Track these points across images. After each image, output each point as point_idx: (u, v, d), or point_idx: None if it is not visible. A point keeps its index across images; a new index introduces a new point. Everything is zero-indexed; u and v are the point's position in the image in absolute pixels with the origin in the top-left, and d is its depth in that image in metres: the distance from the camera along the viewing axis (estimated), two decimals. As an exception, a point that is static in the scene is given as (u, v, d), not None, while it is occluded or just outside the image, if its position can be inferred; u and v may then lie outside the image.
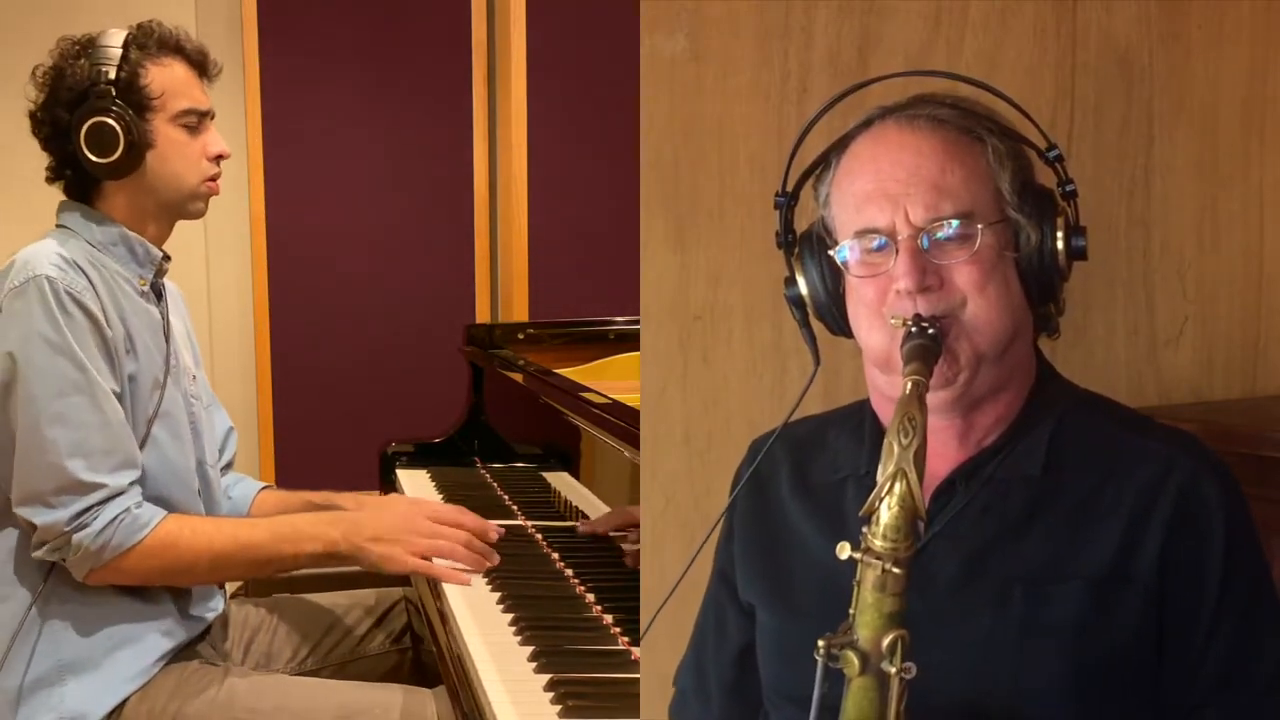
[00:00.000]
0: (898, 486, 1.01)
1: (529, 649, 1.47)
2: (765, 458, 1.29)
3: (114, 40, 1.75)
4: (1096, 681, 1.12)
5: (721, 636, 1.33)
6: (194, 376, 1.91)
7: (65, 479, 1.62)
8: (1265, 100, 1.73)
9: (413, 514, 1.85)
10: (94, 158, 1.72)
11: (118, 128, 1.71)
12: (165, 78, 1.77)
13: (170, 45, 1.79)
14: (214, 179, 1.83)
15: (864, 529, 1.02)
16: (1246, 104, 1.72)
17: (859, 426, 1.27)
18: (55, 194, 1.85)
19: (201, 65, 1.83)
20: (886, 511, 1.01)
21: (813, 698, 1.02)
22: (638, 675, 1.39)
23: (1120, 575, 1.13)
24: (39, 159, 1.83)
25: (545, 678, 1.38)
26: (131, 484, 1.68)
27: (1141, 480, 1.15)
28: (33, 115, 1.79)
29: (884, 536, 1.01)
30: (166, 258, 1.83)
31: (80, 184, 1.80)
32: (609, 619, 1.59)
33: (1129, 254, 1.68)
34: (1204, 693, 1.14)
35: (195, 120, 1.80)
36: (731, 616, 1.32)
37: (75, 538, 1.63)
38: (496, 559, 1.80)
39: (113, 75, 1.72)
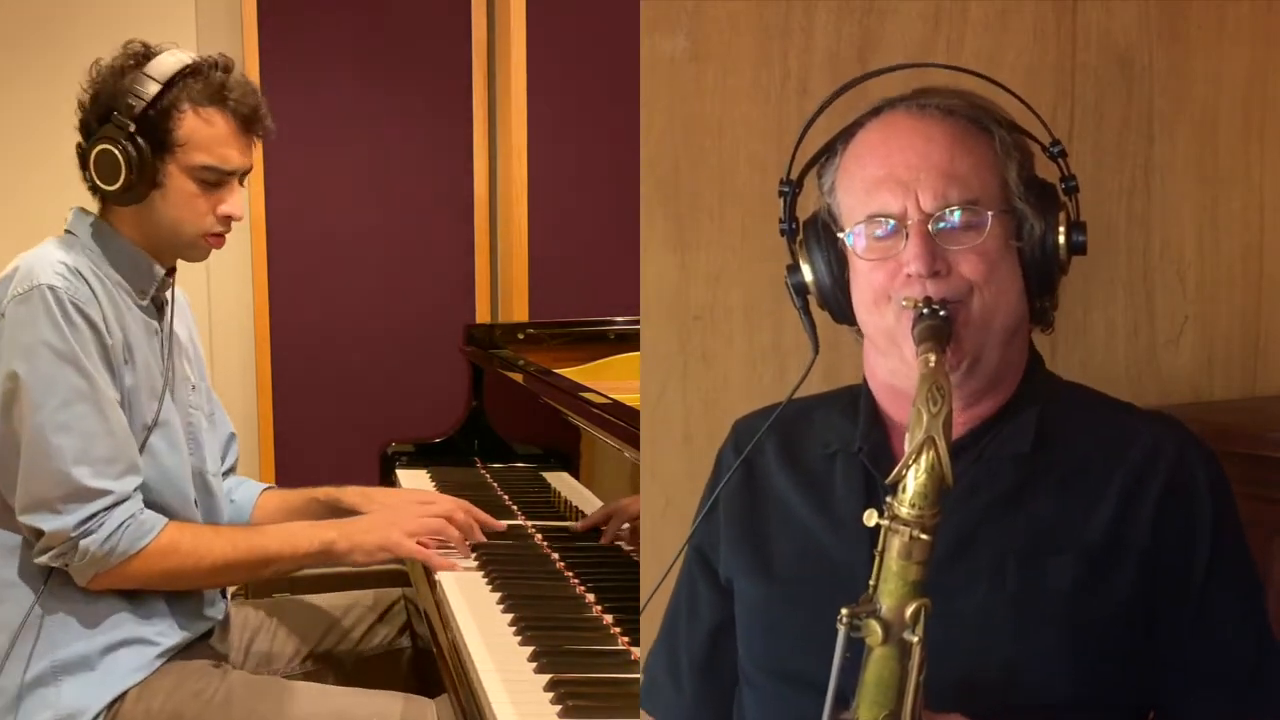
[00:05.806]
0: (926, 454, 1.00)
1: (529, 649, 1.47)
2: (750, 436, 1.30)
3: (165, 68, 1.69)
4: (1090, 651, 1.13)
5: (694, 615, 1.33)
6: (194, 386, 1.90)
7: (71, 486, 1.63)
8: (1265, 100, 1.73)
9: (404, 500, 2.00)
10: (98, 181, 1.70)
11: (123, 162, 1.67)
12: (196, 127, 1.70)
13: (216, 97, 1.71)
14: (218, 235, 1.77)
15: (889, 498, 1.02)
16: (1246, 104, 1.72)
17: (850, 406, 1.27)
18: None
19: (247, 122, 1.74)
20: (914, 479, 1.01)
21: (833, 666, 1.01)
22: (638, 675, 1.39)
23: (1114, 544, 1.14)
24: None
25: (545, 678, 1.38)
26: (135, 490, 1.70)
27: (1132, 457, 1.17)
28: (80, 104, 1.74)
29: (911, 504, 1.00)
30: (169, 272, 1.81)
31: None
32: (609, 619, 1.59)
33: (1129, 254, 1.68)
34: (1194, 675, 1.16)
35: (214, 178, 1.73)
36: (705, 595, 1.32)
37: (82, 544, 1.64)
38: (489, 529, 1.92)
39: (140, 108, 1.67)
